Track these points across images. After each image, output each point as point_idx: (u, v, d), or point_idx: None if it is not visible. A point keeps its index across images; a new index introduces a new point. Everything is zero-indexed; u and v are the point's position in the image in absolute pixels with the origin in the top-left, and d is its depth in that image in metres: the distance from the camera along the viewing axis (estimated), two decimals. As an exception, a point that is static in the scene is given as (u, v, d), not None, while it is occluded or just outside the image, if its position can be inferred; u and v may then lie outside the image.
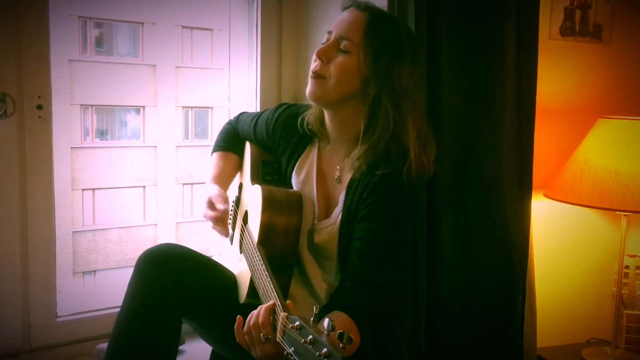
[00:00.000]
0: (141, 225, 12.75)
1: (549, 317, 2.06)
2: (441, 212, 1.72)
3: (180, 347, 1.83)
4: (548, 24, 2.06)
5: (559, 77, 2.09)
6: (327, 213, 1.47)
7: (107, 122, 13.03)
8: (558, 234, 2.14)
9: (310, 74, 1.39)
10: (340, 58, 1.35)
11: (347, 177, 1.43)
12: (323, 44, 1.39)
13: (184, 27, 12.76)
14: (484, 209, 1.77)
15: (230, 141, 1.76)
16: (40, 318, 1.71)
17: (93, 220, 12.64)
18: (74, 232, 12.32)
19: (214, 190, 1.59)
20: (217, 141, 1.77)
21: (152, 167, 12.68)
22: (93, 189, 12.51)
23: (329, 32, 1.39)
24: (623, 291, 1.99)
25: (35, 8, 1.61)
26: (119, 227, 12.45)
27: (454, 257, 1.75)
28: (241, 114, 1.80)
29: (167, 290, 1.39)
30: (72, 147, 12.20)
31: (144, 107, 12.91)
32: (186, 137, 12.50)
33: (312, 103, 1.45)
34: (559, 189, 1.92)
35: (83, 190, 12.43)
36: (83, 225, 12.51)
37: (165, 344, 1.38)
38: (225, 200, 1.57)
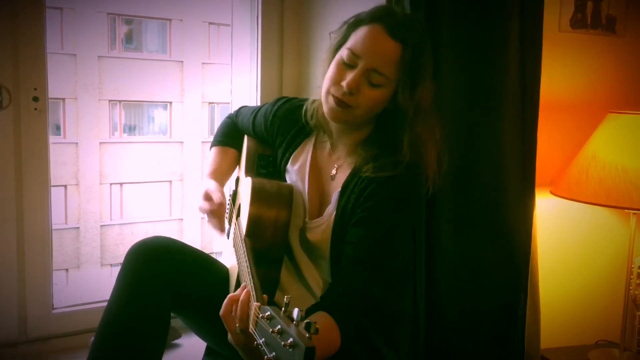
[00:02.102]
0: (167, 220, 12.92)
1: (555, 318, 2.01)
2: (441, 209, 1.68)
3: (176, 341, 1.84)
4: (558, 15, 2.00)
5: (568, 70, 2.03)
6: (320, 210, 1.44)
7: (135, 117, 13.22)
8: (565, 232, 2.08)
9: (333, 98, 1.31)
10: (371, 92, 1.30)
11: (343, 176, 1.39)
12: (346, 64, 1.30)
13: (210, 23, 12.87)
14: (485, 207, 1.73)
15: (229, 135, 1.74)
16: (37, 309, 1.71)
17: (120, 214, 12.85)
18: (101, 225, 12.55)
19: (211, 184, 1.58)
20: (216, 136, 1.76)
21: (179, 163, 12.83)
22: (121, 184, 12.72)
23: (355, 55, 1.29)
24: (635, 292, 1.93)
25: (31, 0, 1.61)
26: (146, 222, 12.63)
27: (454, 256, 1.72)
28: (242, 107, 1.78)
29: (155, 283, 1.37)
30: (100, 142, 12.42)
31: (170, 102, 13.07)
32: (212, 132, 12.64)
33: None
34: (565, 186, 1.87)
35: (111, 184, 12.64)
36: (111, 219, 12.73)
37: (152, 337, 1.37)
38: (222, 194, 1.56)
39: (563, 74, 2.01)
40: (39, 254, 1.70)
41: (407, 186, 1.34)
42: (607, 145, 1.81)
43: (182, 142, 12.99)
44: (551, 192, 1.93)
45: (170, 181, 12.95)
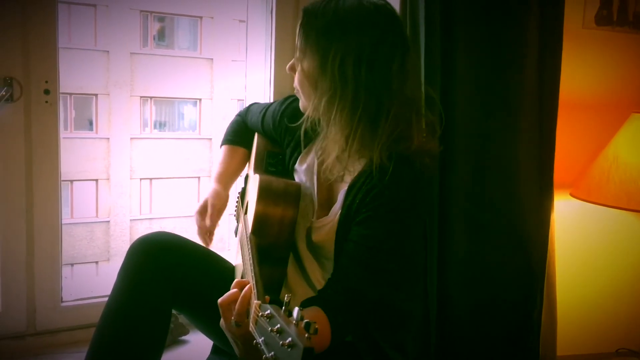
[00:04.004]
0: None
1: (573, 324, 1.95)
2: (454, 208, 1.65)
3: (184, 338, 1.83)
4: (582, 12, 1.94)
5: (592, 69, 1.96)
6: (327, 210, 1.41)
7: (165, 113, 13.37)
8: (586, 236, 2.01)
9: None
10: (299, 68, 1.32)
11: (350, 176, 1.37)
12: None
13: (240, 21, 12.93)
14: (499, 207, 1.69)
15: (239, 134, 1.73)
16: (45, 302, 1.72)
17: (150, 209, 13.02)
18: (131, 219, 12.74)
19: (213, 194, 1.58)
20: (226, 134, 1.75)
21: (207, 159, 12.93)
22: (150, 179, 12.88)
23: None
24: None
25: (43, -8, 1.61)
26: (174, 217, 12.76)
27: (467, 257, 1.68)
28: (252, 105, 1.77)
29: (155, 279, 1.37)
30: (131, 138, 12.59)
31: (200, 99, 13.18)
32: (241, 129, 12.67)
33: None
34: (585, 189, 1.80)
35: (141, 179, 12.81)
36: (140, 214, 12.90)
37: (152, 334, 1.36)
38: (219, 211, 1.56)
39: (586, 72, 1.95)
40: (48, 247, 1.71)
41: (414, 187, 1.29)
42: (629, 147, 1.75)
43: (210, 139, 13.09)
44: (571, 194, 1.87)
45: (199, 177, 13.07)
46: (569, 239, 1.95)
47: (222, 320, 1.10)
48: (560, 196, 1.85)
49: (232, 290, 1.08)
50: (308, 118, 1.35)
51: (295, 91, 1.37)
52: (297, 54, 1.31)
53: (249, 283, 1.07)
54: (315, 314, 1.18)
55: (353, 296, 1.24)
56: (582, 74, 1.93)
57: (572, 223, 1.96)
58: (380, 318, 1.38)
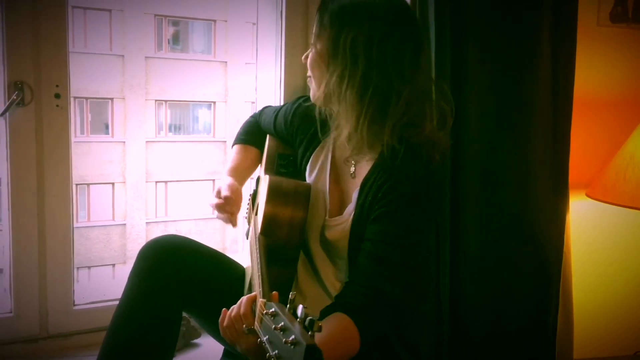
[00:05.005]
0: (210, 218, 13.07)
1: (589, 327, 1.92)
2: (467, 209, 1.63)
3: (196, 341, 1.82)
4: (596, 9, 1.91)
5: (607, 67, 1.93)
6: (340, 209, 1.41)
7: (180, 117, 13.44)
8: (602, 236, 1.98)
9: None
10: (311, 54, 1.34)
11: (362, 173, 1.36)
12: None
13: (254, 24, 12.96)
14: (513, 208, 1.67)
15: (251, 134, 1.72)
16: (58, 305, 1.72)
17: (165, 212, 13.09)
18: (147, 222, 12.81)
19: (225, 181, 1.56)
20: (238, 134, 1.74)
21: (222, 161, 12.97)
22: (166, 182, 12.95)
23: None
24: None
25: (54, -4, 1.62)
26: (189, 220, 12.82)
27: (480, 257, 1.66)
28: (265, 107, 1.77)
29: (166, 282, 1.37)
30: (146, 141, 12.67)
31: (214, 102, 13.23)
32: (254, 132, 12.72)
33: None
34: (601, 189, 1.77)
35: (156, 182, 12.89)
36: (156, 216, 12.97)
37: (162, 337, 1.36)
38: (234, 191, 1.53)
39: (601, 70, 1.92)
40: (60, 250, 1.71)
41: (426, 180, 1.29)
42: (646, 146, 1.71)
43: (224, 142, 13.13)
44: (587, 195, 1.84)
45: (214, 180, 13.11)
46: (586, 240, 1.92)
47: (237, 345, 1.11)
48: (575, 196, 1.82)
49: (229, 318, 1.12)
50: (318, 105, 1.36)
51: (307, 80, 1.38)
52: (312, 39, 1.33)
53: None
54: (339, 320, 1.17)
55: (374, 295, 1.22)
56: (597, 72, 1.91)
57: (588, 224, 1.93)
58: (397, 319, 1.37)
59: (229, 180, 1.57)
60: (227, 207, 1.49)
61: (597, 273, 1.98)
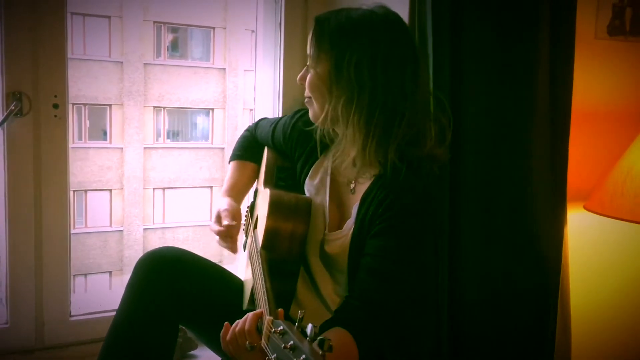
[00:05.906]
0: (208, 225, 13.06)
1: (588, 342, 1.91)
2: (465, 222, 1.62)
3: (193, 353, 1.82)
4: (594, 22, 1.91)
5: (605, 79, 1.93)
6: (340, 223, 1.40)
7: (179, 123, 13.43)
8: (601, 250, 1.97)
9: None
10: (309, 75, 1.32)
11: (362, 189, 1.35)
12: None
13: (252, 31, 12.99)
14: (511, 221, 1.65)
15: (248, 149, 1.72)
16: (54, 316, 1.71)
17: (163, 218, 13.07)
18: (144, 229, 12.79)
19: (224, 204, 1.56)
20: (235, 150, 1.74)
21: (220, 168, 12.97)
22: (163, 188, 12.93)
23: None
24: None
25: (52, 7, 1.61)
26: (187, 226, 12.80)
27: (478, 271, 1.65)
28: (261, 119, 1.76)
29: (162, 294, 1.37)
30: (144, 148, 12.66)
31: (212, 109, 13.23)
32: (253, 139, 12.72)
33: None
34: (598, 202, 1.77)
35: (154, 189, 12.87)
36: (153, 223, 12.95)
37: (159, 349, 1.36)
38: (234, 215, 1.52)
39: (599, 82, 1.92)
40: (57, 261, 1.70)
41: (426, 195, 1.29)
42: (644, 159, 1.71)
43: (223, 148, 13.13)
44: (585, 208, 1.83)
45: (211, 187, 13.11)
46: (584, 253, 1.91)
47: (233, 349, 1.10)
48: (573, 209, 1.82)
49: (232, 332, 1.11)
50: (320, 126, 1.35)
51: (306, 101, 1.37)
52: (309, 62, 1.32)
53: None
54: (338, 335, 1.17)
55: (373, 309, 1.22)
56: (595, 84, 1.90)
57: (586, 237, 1.93)
58: (394, 334, 1.36)
59: (227, 202, 1.57)
60: (229, 235, 1.49)
61: (595, 286, 1.97)
